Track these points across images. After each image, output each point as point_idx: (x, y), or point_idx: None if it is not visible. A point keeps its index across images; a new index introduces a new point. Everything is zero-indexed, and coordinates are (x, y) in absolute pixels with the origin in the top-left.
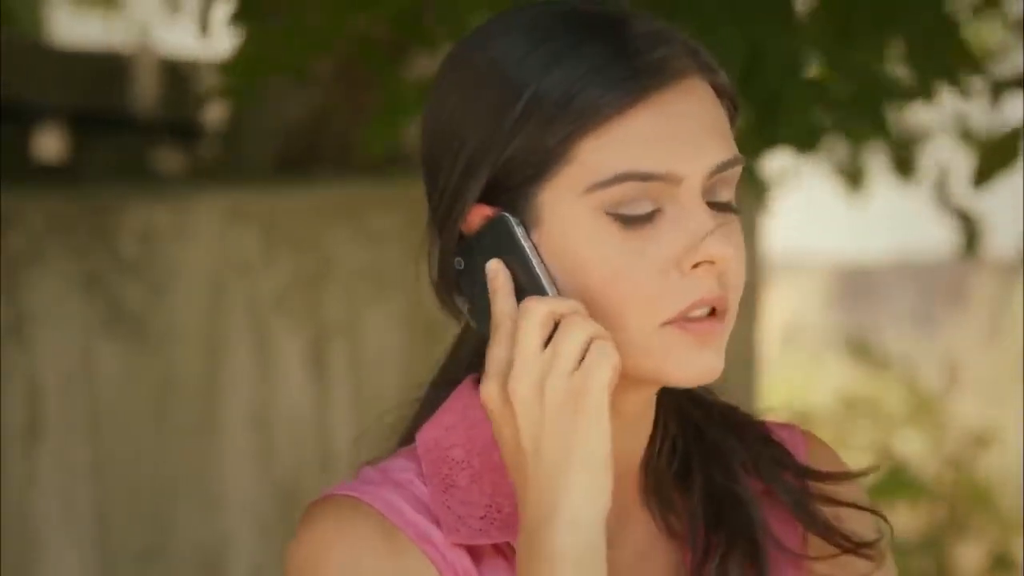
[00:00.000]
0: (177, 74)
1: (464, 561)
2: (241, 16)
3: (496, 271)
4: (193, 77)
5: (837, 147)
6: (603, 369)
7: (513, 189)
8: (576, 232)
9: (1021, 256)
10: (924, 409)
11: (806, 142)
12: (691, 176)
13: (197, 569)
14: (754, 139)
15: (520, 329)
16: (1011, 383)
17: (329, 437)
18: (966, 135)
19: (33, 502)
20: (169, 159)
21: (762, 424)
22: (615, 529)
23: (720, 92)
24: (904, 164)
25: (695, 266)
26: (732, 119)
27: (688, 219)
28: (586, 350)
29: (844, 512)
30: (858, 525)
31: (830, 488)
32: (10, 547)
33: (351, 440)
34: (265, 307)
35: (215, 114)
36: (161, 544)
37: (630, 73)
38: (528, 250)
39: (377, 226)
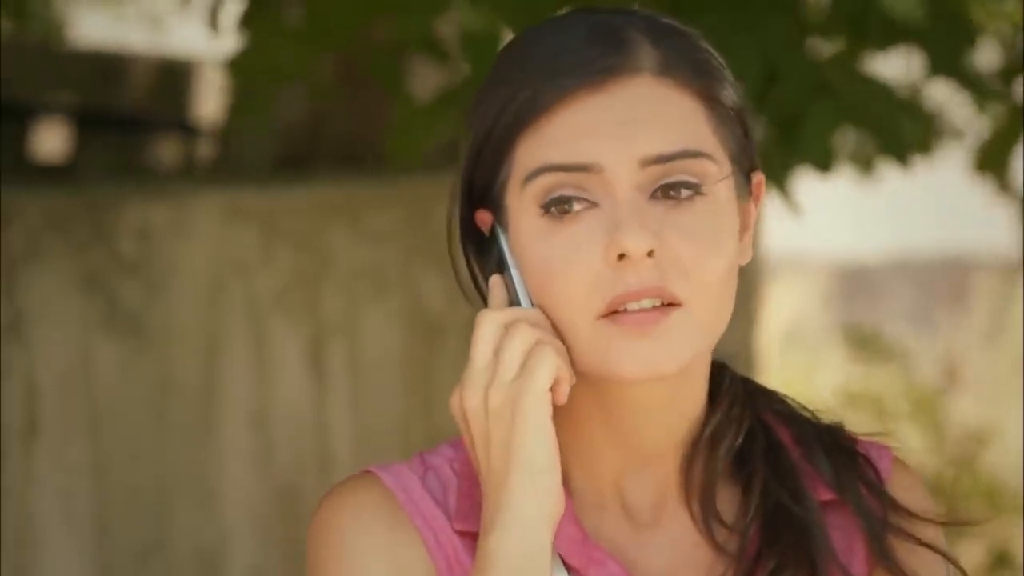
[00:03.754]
0: (176, 73)
1: (460, 547)
2: (251, 18)
3: (492, 286)
4: (193, 76)
5: (847, 135)
6: (538, 374)
7: (492, 193)
8: (523, 231)
9: (1021, 255)
10: (924, 407)
11: (824, 163)
12: (613, 168)
13: (195, 568)
14: (774, 158)
15: (472, 342)
16: (1011, 382)
17: (328, 436)
18: (980, 109)
19: (32, 501)
20: (168, 157)
21: (854, 440)
22: (650, 522)
23: (693, 92)
24: (924, 145)
25: (620, 258)
26: (721, 118)
27: (611, 212)
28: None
29: (911, 545)
30: (923, 562)
31: (906, 519)
32: (9, 546)
33: (349, 439)
34: (264, 306)
35: (214, 113)
36: (160, 542)
37: (561, 71)
38: (507, 259)
39: (376, 225)
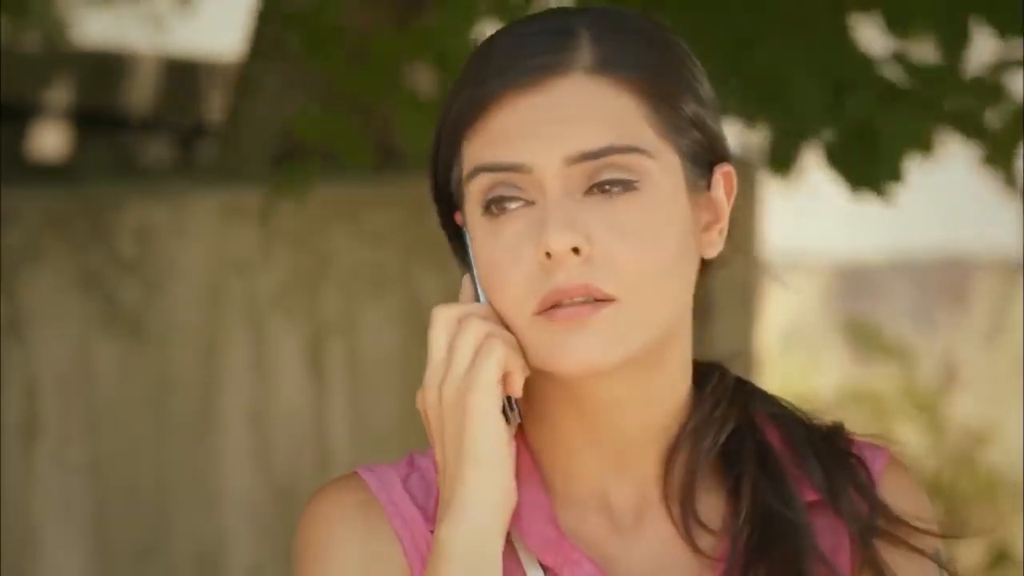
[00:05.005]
0: (176, 73)
1: None
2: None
3: (463, 284)
4: (193, 76)
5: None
6: (485, 367)
7: (452, 193)
8: (472, 230)
9: (1021, 255)
10: (924, 407)
11: (896, 176)
12: (541, 167)
13: (195, 567)
14: (851, 166)
15: (429, 338)
16: (1011, 382)
17: (326, 435)
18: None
19: (31, 500)
20: (167, 157)
21: (850, 442)
22: (631, 524)
23: (632, 89)
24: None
25: (548, 257)
26: (666, 114)
27: (542, 211)
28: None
29: (901, 549)
30: (911, 566)
31: (895, 522)
32: (8, 545)
33: (348, 438)
34: (263, 305)
35: (213, 112)
36: (159, 542)
37: (498, 72)
38: (470, 257)
39: (375, 225)
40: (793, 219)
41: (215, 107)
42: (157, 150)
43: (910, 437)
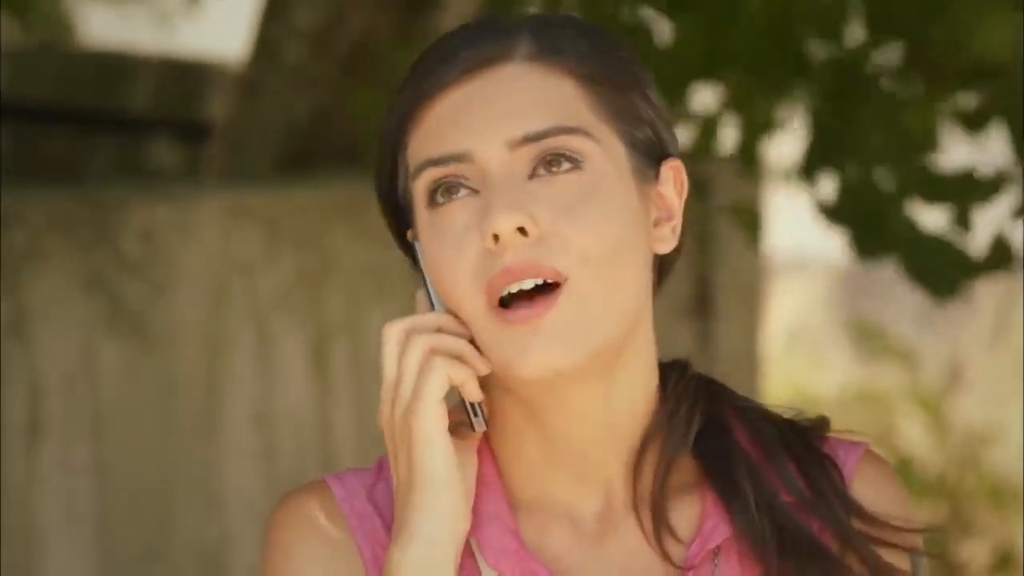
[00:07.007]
0: (181, 73)
1: None
2: None
3: (416, 301)
4: (198, 76)
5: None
6: (428, 388)
7: (401, 201)
8: (420, 234)
9: (1022, 256)
10: (928, 407)
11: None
12: (482, 153)
13: (198, 568)
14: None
15: (381, 356)
16: (1015, 382)
17: (331, 436)
18: None
19: (34, 501)
20: (171, 158)
21: (823, 439)
22: (596, 533)
23: (576, 77)
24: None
25: (496, 241)
26: (610, 105)
27: (486, 197)
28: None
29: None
30: (892, 556)
31: (867, 519)
32: (11, 546)
33: (353, 439)
34: (267, 306)
35: (217, 113)
36: (162, 543)
37: (435, 67)
38: (422, 267)
39: (379, 225)
40: (798, 219)
41: (220, 108)
42: (161, 151)
43: (915, 437)
